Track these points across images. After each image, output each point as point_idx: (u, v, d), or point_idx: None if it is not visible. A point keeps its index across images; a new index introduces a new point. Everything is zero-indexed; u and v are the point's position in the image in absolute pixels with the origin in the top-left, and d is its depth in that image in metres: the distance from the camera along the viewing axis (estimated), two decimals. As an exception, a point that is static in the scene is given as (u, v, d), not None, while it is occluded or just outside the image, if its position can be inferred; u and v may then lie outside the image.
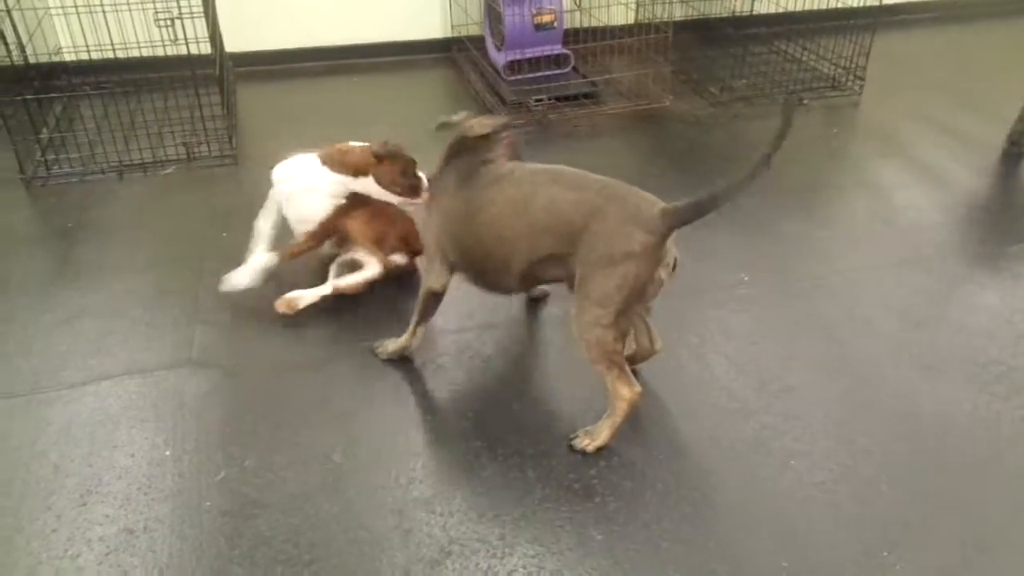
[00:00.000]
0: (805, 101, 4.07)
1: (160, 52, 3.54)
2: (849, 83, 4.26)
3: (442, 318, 2.47)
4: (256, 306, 2.59)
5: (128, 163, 3.52)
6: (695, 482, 1.98)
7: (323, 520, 1.89)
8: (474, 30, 4.65)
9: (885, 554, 1.79)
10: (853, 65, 4.25)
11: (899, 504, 1.92)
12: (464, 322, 2.56)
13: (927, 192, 3.30)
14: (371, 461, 2.06)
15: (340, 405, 2.25)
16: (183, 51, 3.36)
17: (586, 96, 4.14)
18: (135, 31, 3.84)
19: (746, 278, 2.74)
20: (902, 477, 1.99)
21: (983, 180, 3.37)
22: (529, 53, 4.22)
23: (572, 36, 4.32)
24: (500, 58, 4.27)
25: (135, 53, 3.90)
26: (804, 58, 4.52)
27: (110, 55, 3.89)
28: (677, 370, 2.34)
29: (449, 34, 4.75)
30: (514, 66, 4.23)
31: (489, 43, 4.46)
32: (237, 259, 2.60)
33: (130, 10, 3.79)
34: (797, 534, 1.85)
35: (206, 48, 3.70)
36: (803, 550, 1.81)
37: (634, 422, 2.09)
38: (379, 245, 2.65)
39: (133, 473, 2.02)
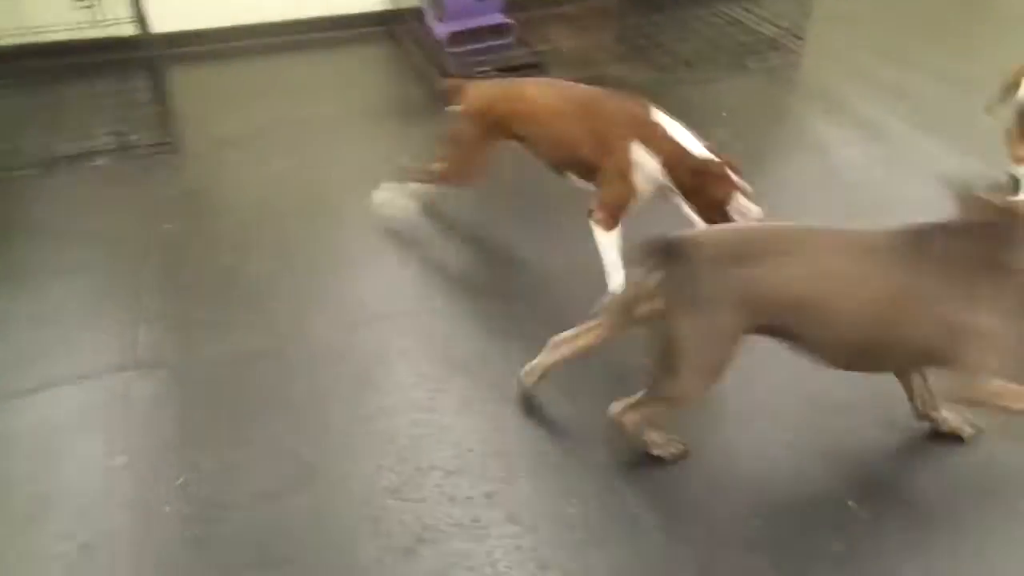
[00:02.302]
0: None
1: (81, 35, 3.34)
2: (790, 44, 4.29)
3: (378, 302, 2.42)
4: (205, 297, 2.49)
5: (54, 156, 3.33)
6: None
7: (291, 517, 1.84)
8: (413, 1, 4.53)
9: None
10: (794, 26, 4.26)
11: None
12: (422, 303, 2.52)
13: (869, 150, 3.34)
14: (337, 452, 2.01)
15: (300, 395, 2.18)
16: (108, 32, 3.18)
17: (531, 67, 4.07)
18: (52, 12, 3.62)
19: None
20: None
21: (926, 137, 3.42)
22: (470, 23, 4.12)
23: (514, 5, 4.24)
24: (441, 29, 4.17)
25: (53, 36, 3.69)
26: (746, 21, 4.53)
27: (26, 39, 3.67)
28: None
29: (388, 6, 4.62)
30: (455, 38, 4.14)
31: (429, 14, 4.35)
32: (183, 251, 2.49)
33: (45, -10, 3.57)
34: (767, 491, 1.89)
35: (131, 29, 3.52)
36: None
37: (595, 392, 2.08)
38: None
39: (86, 485, 1.93)
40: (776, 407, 2.13)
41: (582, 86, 2.60)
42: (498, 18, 4.17)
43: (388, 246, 2.81)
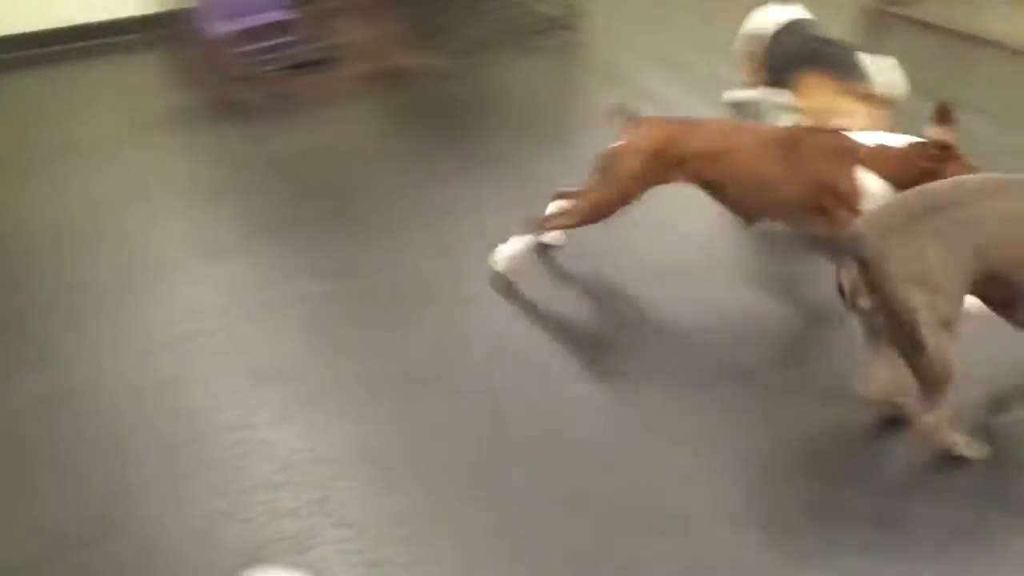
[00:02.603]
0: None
1: None
2: (574, 23, 4.47)
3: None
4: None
5: None
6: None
7: (116, 561, 1.71)
8: (184, 2, 4.27)
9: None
10: (577, 5, 4.45)
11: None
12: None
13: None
14: (156, 487, 1.89)
15: (103, 436, 2.03)
16: None
17: (321, 62, 3.98)
18: None
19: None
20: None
21: (700, 102, 3.68)
22: (253, 21, 3.96)
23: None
24: (220, 29, 3.97)
25: None
26: (531, 2, 4.66)
27: None
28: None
29: (159, 8, 4.32)
30: (237, 37, 3.96)
31: (204, 15, 4.12)
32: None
33: None
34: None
35: None
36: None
37: (414, 386, 2.10)
38: None
39: None
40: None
41: (763, 125, 2.50)
42: (282, 14, 4.03)
43: (173, 266, 2.67)
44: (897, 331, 1.73)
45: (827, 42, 2.77)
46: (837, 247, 1.81)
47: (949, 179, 1.85)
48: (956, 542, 1.70)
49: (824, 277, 2.23)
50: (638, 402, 2.10)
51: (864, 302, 1.77)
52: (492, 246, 2.52)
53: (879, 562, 1.66)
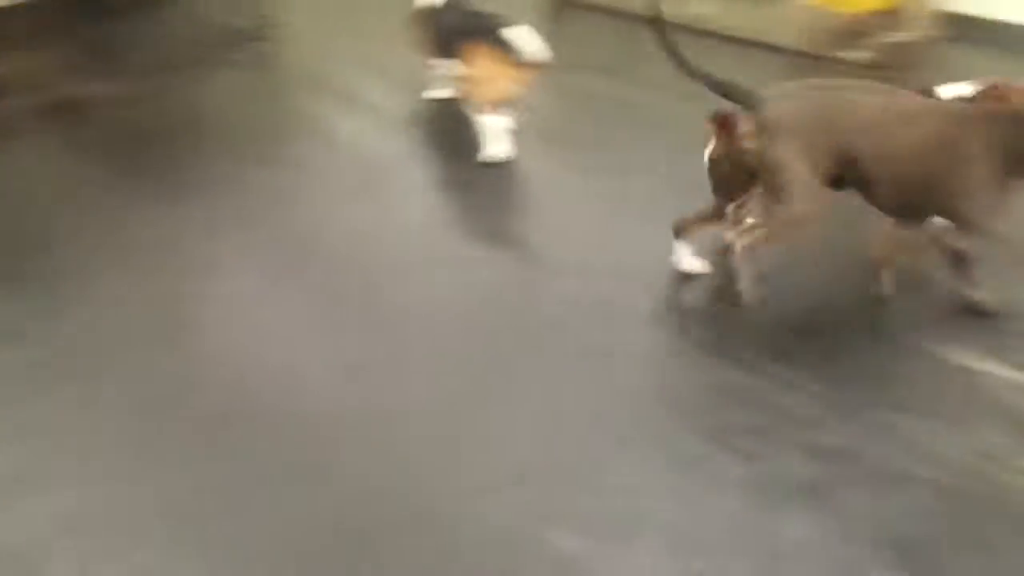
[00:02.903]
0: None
1: None
2: (266, 34, 4.30)
3: None
4: None
5: None
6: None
7: None
8: None
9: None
10: (270, 15, 4.28)
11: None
12: None
13: (360, 120, 3.51)
14: None
15: None
16: None
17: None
18: None
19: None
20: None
21: (402, 95, 3.70)
22: None
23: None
24: None
25: None
26: (216, 15, 4.41)
27: None
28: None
29: None
30: None
31: None
32: None
33: None
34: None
35: None
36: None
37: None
38: None
39: None
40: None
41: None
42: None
43: None
44: (769, 181, 2.09)
45: (482, 15, 3.06)
46: (741, 97, 2.14)
47: (843, 80, 2.24)
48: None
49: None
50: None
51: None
52: (219, 272, 2.33)
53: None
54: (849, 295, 2.40)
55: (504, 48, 2.88)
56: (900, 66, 3.40)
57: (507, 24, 2.94)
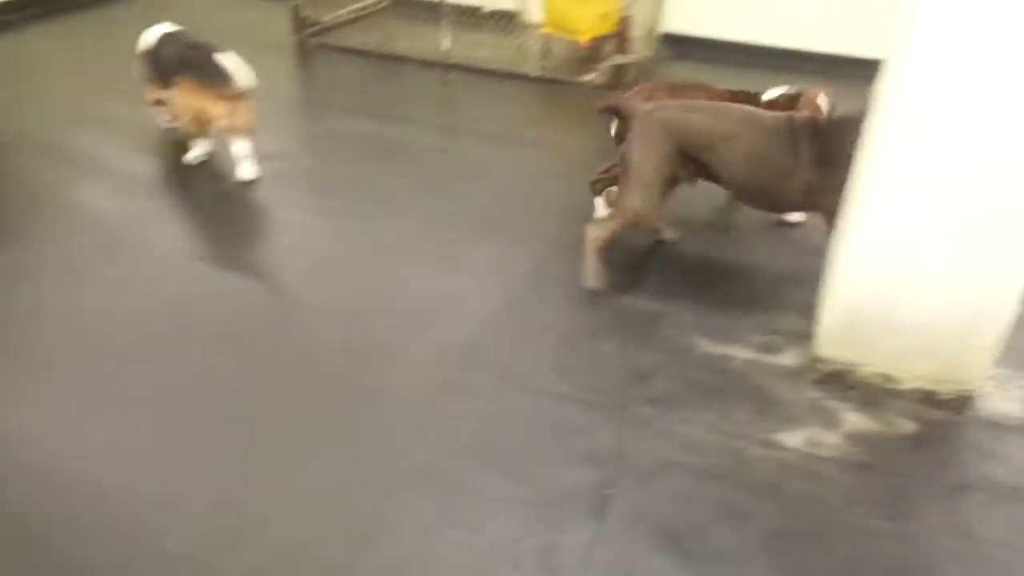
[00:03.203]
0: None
1: None
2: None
3: None
4: None
5: None
6: None
7: None
8: None
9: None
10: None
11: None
12: None
13: (101, 182, 3.22)
14: None
15: None
16: None
17: None
18: None
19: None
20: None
21: (136, 156, 3.45)
22: None
23: None
24: None
25: None
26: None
27: None
28: None
29: None
30: None
31: None
32: None
33: None
34: None
35: None
36: None
37: None
38: None
39: None
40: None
41: None
42: None
43: None
44: (621, 176, 2.53)
45: (197, 47, 3.14)
46: (615, 105, 2.61)
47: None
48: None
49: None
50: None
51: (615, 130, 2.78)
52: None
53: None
54: (587, 300, 2.55)
55: (214, 78, 3.01)
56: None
57: (219, 50, 3.05)
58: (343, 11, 5.04)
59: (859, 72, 2.69)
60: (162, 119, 3.49)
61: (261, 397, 2.15)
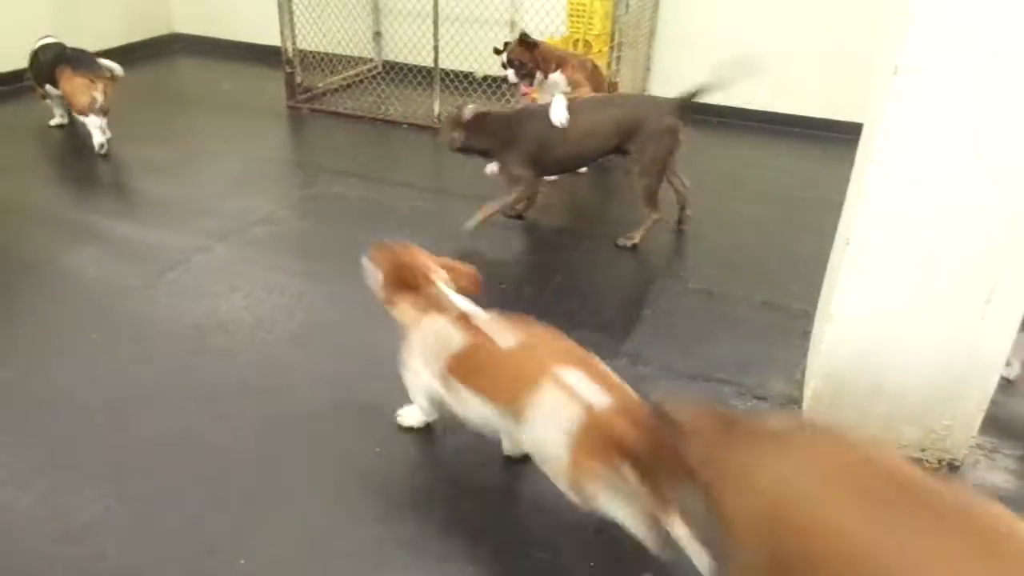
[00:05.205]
0: None
1: None
2: None
3: None
4: None
5: None
6: None
7: None
8: None
9: None
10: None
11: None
12: None
13: (92, 248, 3.22)
14: None
15: None
16: None
17: None
18: None
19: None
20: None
21: (151, 229, 3.46)
22: None
23: None
24: None
25: None
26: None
27: None
28: None
29: None
30: None
31: None
32: None
33: None
34: None
35: None
36: None
37: None
38: None
39: None
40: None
41: None
42: None
43: None
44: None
45: (73, 50, 4.10)
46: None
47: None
48: None
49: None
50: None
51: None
52: None
53: None
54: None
55: (85, 67, 3.95)
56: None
57: (91, 55, 4.01)
58: (336, 77, 5.16)
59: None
60: (54, 121, 4.36)
61: (247, 461, 2.13)
